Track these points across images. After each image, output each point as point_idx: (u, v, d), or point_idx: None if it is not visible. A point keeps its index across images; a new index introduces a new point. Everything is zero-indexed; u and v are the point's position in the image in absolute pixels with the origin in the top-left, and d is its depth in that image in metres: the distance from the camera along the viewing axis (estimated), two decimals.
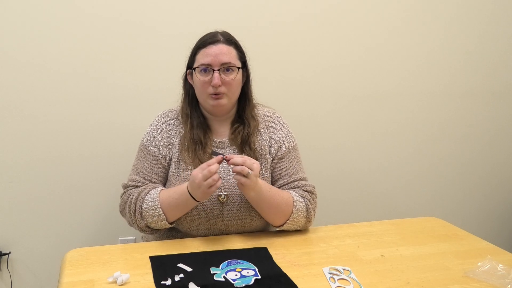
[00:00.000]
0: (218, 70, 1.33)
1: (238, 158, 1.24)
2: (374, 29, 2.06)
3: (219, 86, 1.33)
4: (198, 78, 1.36)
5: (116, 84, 1.85)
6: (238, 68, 1.36)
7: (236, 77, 1.36)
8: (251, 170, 1.23)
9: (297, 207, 1.34)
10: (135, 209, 1.33)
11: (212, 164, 1.21)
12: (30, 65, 1.77)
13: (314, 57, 2.02)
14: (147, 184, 1.38)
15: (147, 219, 1.32)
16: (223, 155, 1.25)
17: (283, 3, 1.94)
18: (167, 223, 1.32)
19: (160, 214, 1.30)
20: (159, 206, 1.30)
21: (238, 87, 1.40)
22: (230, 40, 1.37)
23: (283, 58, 1.98)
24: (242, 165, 1.22)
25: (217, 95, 1.35)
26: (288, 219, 1.34)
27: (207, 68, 1.34)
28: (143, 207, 1.32)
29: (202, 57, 1.34)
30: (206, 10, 1.86)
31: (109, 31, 1.80)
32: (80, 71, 1.81)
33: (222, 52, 1.33)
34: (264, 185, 1.32)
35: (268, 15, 1.93)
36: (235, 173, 1.24)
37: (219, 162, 1.23)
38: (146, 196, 1.32)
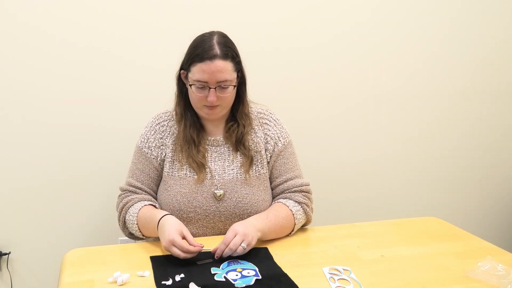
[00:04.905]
0: (215, 88, 1.33)
1: (222, 249, 1.18)
2: (373, 28, 2.05)
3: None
4: (193, 92, 1.36)
5: (117, 85, 1.85)
6: (234, 86, 1.36)
7: (232, 91, 1.36)
8: (243, 244, 1.18)
9: (298, 217, 1.38)
10: (120, 219, 1.41)
11: (190, 251, 1.16)
12: (27, 66, 1.77)
13: (313, 56, 2.02)
14: (139, 188, 1.42)
15: (130, 230, 1.39)
16: (212, 260, 1.18)
17: (282, 0, 1.94)
18: (144, 237, 1.38)
19: (137, 230, 1.36)
20: (136, 222, 1.35)
21: (233, 97, 1.40)
22: (227, 54, 1.33)
23: (281, 57, 1.98)
24: (231, 249, 1.17)
25: (212, 107, 1.36)
26: (293, 230, 1.38)
27: (203, 86, 1.33)
28: (126, 218, 1.39)
29: (198, 73, 1.32)
30: (203, 9, 1.86)
31: (107, 31, 1.80)
32: (79, 72, 1.81)
33: (218, 70, 1.31)
34: (263, 221, 1.30)
35: (267, 13, 1.93)
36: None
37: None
38: (129, 209, 1.38)
